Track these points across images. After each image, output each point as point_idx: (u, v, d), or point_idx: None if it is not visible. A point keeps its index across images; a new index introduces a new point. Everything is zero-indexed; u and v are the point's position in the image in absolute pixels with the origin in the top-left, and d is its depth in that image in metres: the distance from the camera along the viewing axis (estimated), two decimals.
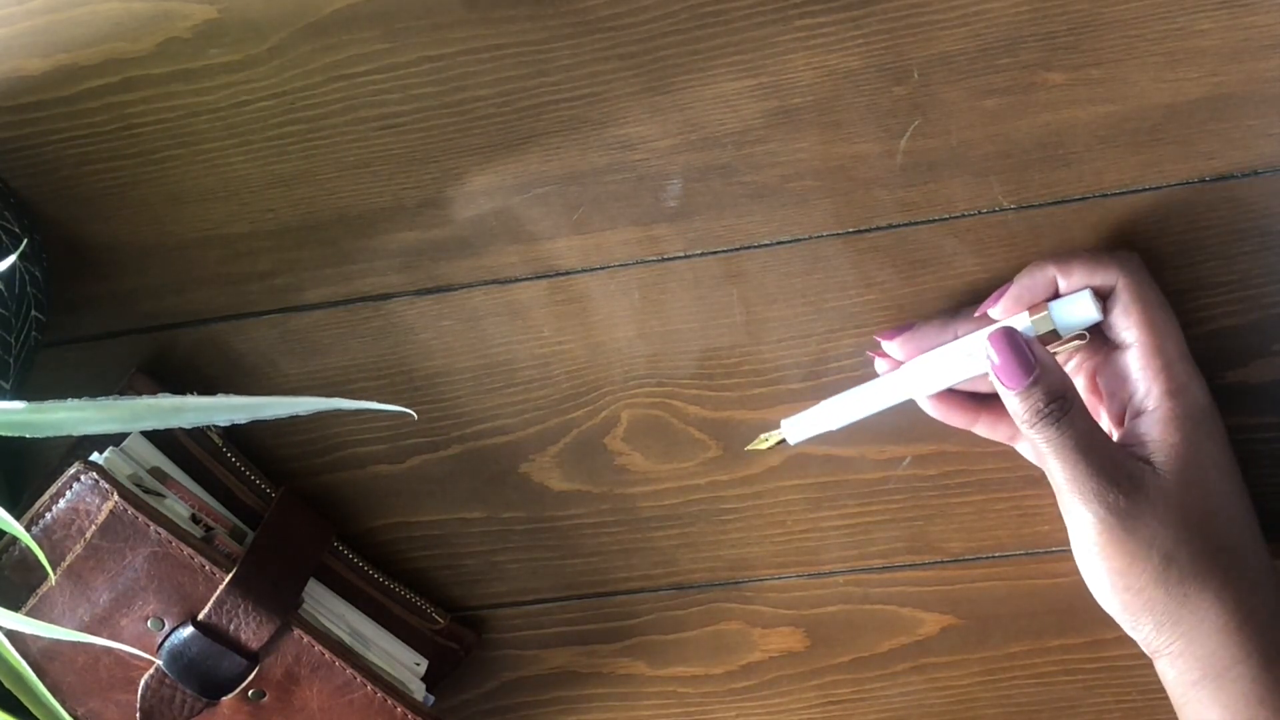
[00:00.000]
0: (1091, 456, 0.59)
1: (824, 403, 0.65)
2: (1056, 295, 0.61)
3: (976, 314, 0.63)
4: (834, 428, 0.65)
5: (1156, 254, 0.64)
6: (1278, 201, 0.63)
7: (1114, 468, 0.60)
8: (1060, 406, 0.59)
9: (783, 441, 0.66)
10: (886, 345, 0.64)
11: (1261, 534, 0.61)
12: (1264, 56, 0.61)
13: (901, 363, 0.64)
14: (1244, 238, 0.63)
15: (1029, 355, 0.60)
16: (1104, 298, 0.61)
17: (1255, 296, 0.64)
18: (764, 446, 0.67)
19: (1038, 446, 0.60)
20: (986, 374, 0.61)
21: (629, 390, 0.69)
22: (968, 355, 0.62)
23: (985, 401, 0.64)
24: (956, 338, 0.63)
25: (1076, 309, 0.61)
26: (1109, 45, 0.62)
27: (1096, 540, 0.60)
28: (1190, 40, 0.61)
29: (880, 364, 0.65)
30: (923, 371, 0.63)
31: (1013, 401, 0.60)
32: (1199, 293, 0.64)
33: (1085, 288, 0.61)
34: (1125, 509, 0.59)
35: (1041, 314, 0.61)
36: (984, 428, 0.65)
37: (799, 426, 0.66)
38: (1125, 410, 0.62)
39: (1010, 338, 0.60)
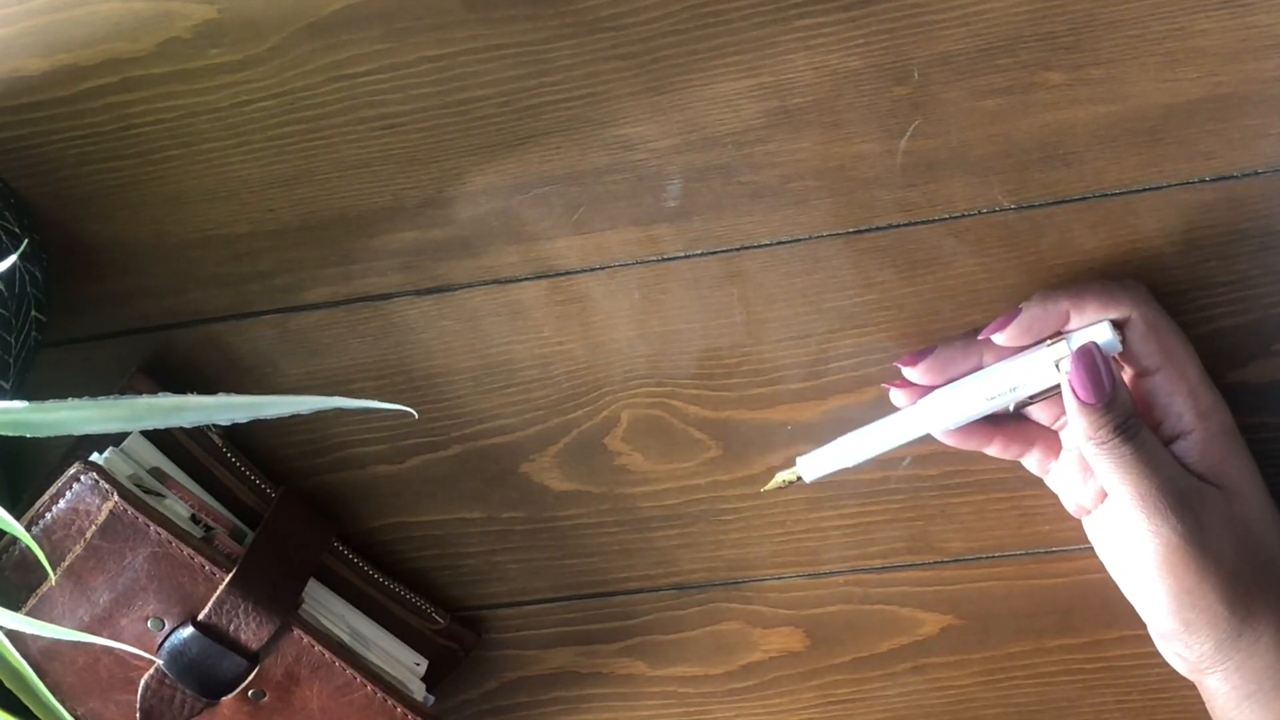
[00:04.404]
0: (1163, 472, 0.59)
1: (840, 439, 0.65)
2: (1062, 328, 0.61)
3: (980, 337, 0.62)
4: (850, 465, 0.65)
5: (1156, 254, 0.64)
6: (1278, 201, 0.63)
7: (1183, 483, 0.60)
8: (1135, 423, 0.60)
9: (799, 479, 0.66)
10: (907, 372, 0.63)
11: None
12: (1264, 56, 0.61)
13: (922, 388, 0.63)
14: (1244, 238, 0.63)
15: (1110, 373, 0.60)
16: (1118, 329, 0.61)
17: (1255, 296, 0.64)
18: (780, 486, 0.66)
19: (1102, 465, 0.60)
20: (1008, 408, 0.62)
21: (629, 390, 0.69)
22: (988, 399, 0.62)
23: (998, 424, 0.64)
24: (980, 362, 0.63)
25: (1098, 340, 0.60)
26: (1109, 45, 0.62)
27: (1166, 559, 0.59)
28: (1190, 40, 0.61)
29: (897, 396, 0.64)
30: (941, 409, 0.62)
31: (1090, 416, 0.59)
32: (1199, 293, 0.64)
33: (1101, 320, 0.61)
34: (1197, 525, 0.59)
35: (1059, 344, 0.61)
36: (995, 449, 0.64)
37: (815, 464, 0.65)
38: (1156, 435, 0.62)
39: (1090, 356, 0.60)
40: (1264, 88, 0.62)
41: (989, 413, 0.62)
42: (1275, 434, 0.65)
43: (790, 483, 0.66)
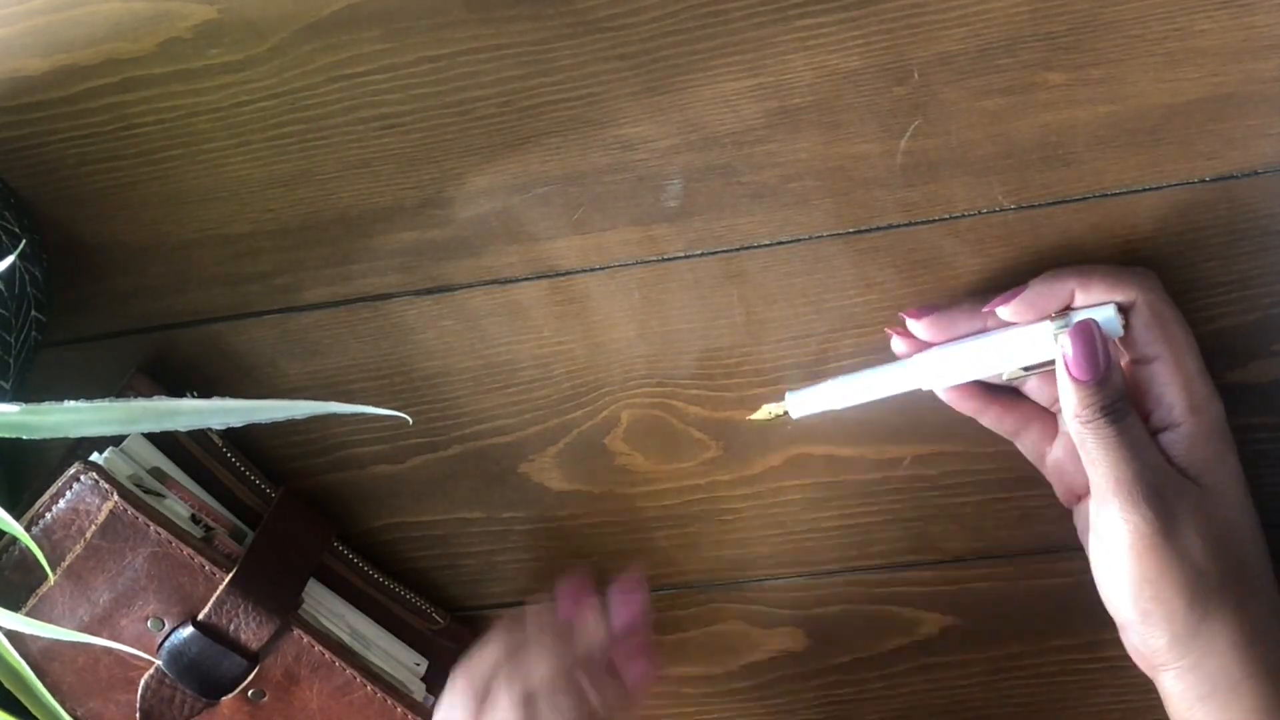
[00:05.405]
0: (1143, 460, 0.59)
1: (832, 380, 0.65)
2: (1068, 307, 0.61)
3: (985, 309, 0.62)
4: (839, 407, 0.65)
5: (1156, 254, 0.64)
6: (1278, 201, 0.63)
7: (1162, 474, 0.60)
8: (1123, 407, 0.59)
9: (785, 414, 0.66)
10: (912, 324, 0.63)
11: (1268, 550, 0.62)
12: (1264, 56, 0.61)
13: (922, 343, 0.63)
14: (1244, 238, 0.63)
15: (1106, 353, 0.60)
16: (1122, 314, 0.61)
17: (1255, 296, 0.64)
18: (766, 417, 0.66)
19: (1085, 445, 0.60)
20: (1000, 375, 0.62)
21: (629, 390, 0.69)
22: (984, 363, 0.62)
23: (996, 392, 0.64)
24: (983, 330, 0.63)
25: (1099, 320, 0.60)
26: (1109, 45, 0.62)
27: (1133, 546, 0.59)
28: (1190, 40, 0.61)
29: (897, 344, 0.64)
30: (938, 365, 0.63)
31: (1080, 393, 0.59)
32: (1199, 293, 0.64)
33: (1106, 302, 0.60)
34: (1169, 517, 0.59)
35: (1060, 320, 0.60)
36: (991, 418, 0.64)
37: (803, 401, 0.65)
38: (1145, 425, 0.62)
39: (1089, 332, 0.60)
40: (1264, 88, 0.61)
41: (983, 376, 0.62)
42: (1275, 434, 0.65)
43: (777, 416, 0.66)
